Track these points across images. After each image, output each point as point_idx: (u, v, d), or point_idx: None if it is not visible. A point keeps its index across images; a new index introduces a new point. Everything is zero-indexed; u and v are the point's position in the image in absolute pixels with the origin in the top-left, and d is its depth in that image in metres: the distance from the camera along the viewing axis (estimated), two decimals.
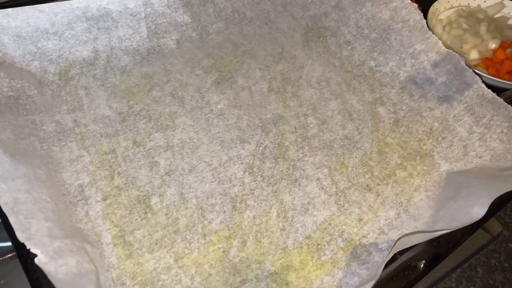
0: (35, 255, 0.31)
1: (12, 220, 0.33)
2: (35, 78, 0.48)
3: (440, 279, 0.41)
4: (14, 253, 0.41)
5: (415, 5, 0.55)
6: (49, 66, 0.50)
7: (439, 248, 0.41)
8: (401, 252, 0.40)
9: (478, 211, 0.38)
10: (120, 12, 0.52)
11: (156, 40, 0.55)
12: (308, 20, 0.61)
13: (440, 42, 0.52)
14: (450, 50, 0.51)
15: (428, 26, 0.58)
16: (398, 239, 0.39)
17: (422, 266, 0.39)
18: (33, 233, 0.33)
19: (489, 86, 0.49)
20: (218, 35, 0.57)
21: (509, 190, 0.38)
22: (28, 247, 0.32)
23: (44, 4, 0.49)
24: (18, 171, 0.37)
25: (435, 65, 0.52)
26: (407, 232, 0.42)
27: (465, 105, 0.50)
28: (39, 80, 0.48)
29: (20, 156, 0.39)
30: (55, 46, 0.50)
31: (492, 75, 0.55)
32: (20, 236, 0.32)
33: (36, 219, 0.34)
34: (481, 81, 0.49)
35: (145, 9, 0.54)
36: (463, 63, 0.50)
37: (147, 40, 0.55)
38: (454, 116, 0.50)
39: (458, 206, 0.40)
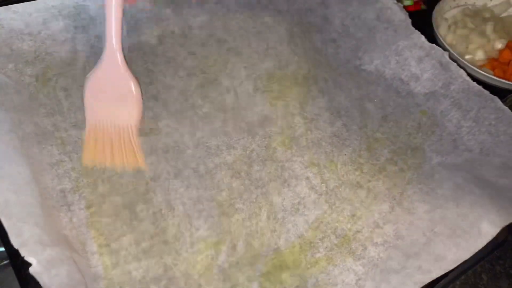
0: (28, 264, 0.30)
1: (5, 223, 0.31)
2: (11, 80, 0.46)
3: (444, 286, 0.41)
4: (6, 261, 0.39)
5: (401, 5, 0.55)
6: (25, 68, 0.47)
7: None
8: None
9: (488, 229, 0.38)
10: (98, 8, 0.50)
11: (136, 37, 0.53)
12: (293, 14, 0.60)
13: (423, 37, 0.52)
14: (433, 45, 0.51)
15: (433, 25, 0.57)
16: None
17: None
18: (26, 238, 0.31)
19: (495, 87, 0.48)
20: (201, 30, 0.56)
21: None
22: (22, 254, 0.30)
23: (18, 4, 0.47)
24: (2, 170, 0.35)
25: (420, 60, 0.52)
26: (403, 226, 0.42)
27: (452, 100, 0.50)
28: (15, 82, 0.46)
29: (2, 153, 0.37)
30: (30, 48, 0.48)
31: (498, 76, 0.54)
32: (15, 242, 0.30)
33: (27, 224, 0.32)
34: (466, 74, 0.49)
35: (124, 3, 0.52)
36: (447, 57, 0.50)
37: (126, 37, 0.52)
38: (442, 111, 0.50)
39: (462, 214, 0.40)
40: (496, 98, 0.46)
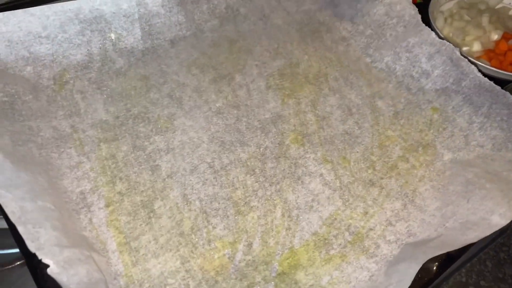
0: (45, 265, 0.31)
1: (21, 230, 0.32)
2: (29, 83, 0.47)
3: (450, 274, 0.42)
4: (23, 261, 0.40)
5: (409, 0, 0.55)
6: (43, 71, 0.49)
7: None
8: None
9: (499, 221, 0.38)
10: (114, 13, 0.51)
11: (150, 41, 0.54)
12: (302, 15, 0.60)
13: (433, 33, 0.52)
14: (444, 41, 0.51)
15: (429, 19, 0.58)
16: (423, 260, 0.38)
17: (435, 268, 0.39)
18: (43, 242, 0.32)
19: (492, 78, 0.48)
20: (212, 33, 0.57)
21: None
22: (39, 257, 0.31)
23: (36, 7, 0.48)
24: (20, 179, 0.36)
25: (430, 57, 0.52)
26: (414, 224, 0.42)
27: (463, 96, 0.50)
28: (33, 86, 0.47)
29: (20, 163, 0.38)
30: (48, 51, 0.49)
31: (495, 67, 0.55)
32: (31, 246, 0.31)
33: (44, 228, 0.33)
34: (477, 70, 0.49)
35: (138, 9, 0.53)
36: (458, 53, 0.50)
37: (141, 41, 0.54)
38: (453, 107, 0.50)
39: (472, 208, 0.40)
40: (507, 94, 0.46)
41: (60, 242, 0.33)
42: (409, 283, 0.35)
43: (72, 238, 0.35)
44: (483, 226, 0.38)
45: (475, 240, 0.37)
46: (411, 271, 0.36)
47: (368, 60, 0.56)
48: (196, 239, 0.40)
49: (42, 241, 0.32)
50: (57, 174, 0.41)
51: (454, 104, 0.50)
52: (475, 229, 0.38)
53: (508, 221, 0.37)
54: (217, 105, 0.50)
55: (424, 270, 0.39)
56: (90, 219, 0.39)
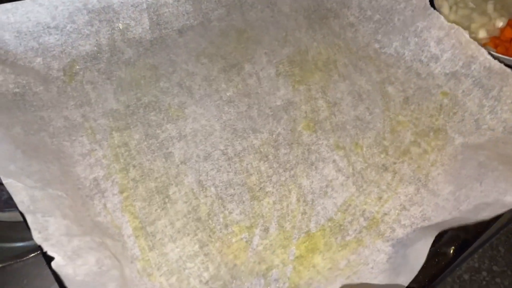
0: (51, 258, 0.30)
1: (29, 219, 0.32)
2: (39, 75, 0.47)
3: (463, 259, 0.41)
4: (37, 252, 0.39)
5: None
6: (52, 62, 0.48)
7: (467, 233, 0.41)
8: None
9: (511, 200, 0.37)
10: (122, 3, 0.51)
11: (158, 31, 0.54)
12: (310, 1, 0.60)
13: (442, 17, 0.52)
14: (453, 24, 0.51)
15: (434, 7, 0.58)
16: (435, 232, 0.38)
17: (451, 252, 0.39)
18: (51, 232, 0.32)
19: None
20: (220, 22, 0.56)
21: None
22: (45, 249, 0.30)
23: None
24: (31, 167, 0.36)
25: (439, 41, 0.52)
26: (428, 208, 0.42)
27: (473, 79, 0.50)
28: (43, 77, 0.47)
29: (31, 152, 0.38)
30: (57, 41, 0.49)
31: (501, 54, 0.54)
32: (37, 238, 0.31)
33: (54, 217, 0.33)
34: (487, 53, 0.49)
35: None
36: (467, 35, 0.50)
37: (149, 31, 0.53)
38: (463, 91, 0.50)
39: (485, 190, 0.40)
40: None
41: (69, 231, 0.32)
42: (423, 258, 0.35)
43: (83, 226, 0.34)
44: (496, 206, 0.38)
45: (488, 218, 0.37)
46: (425, 246, 0.36)
47: (376, 45, 0.56)
48: (213, 224, 0.40)
49: (50, 231, 0.32)
50: (69, 162, 0.41)
51: (464, 88, 0.50)
52: (489, 210, 0.38)
53: None
54: (228, 94, 0.50)
55: (441, 254, 0.40)
56: (105, 204, 0.39)
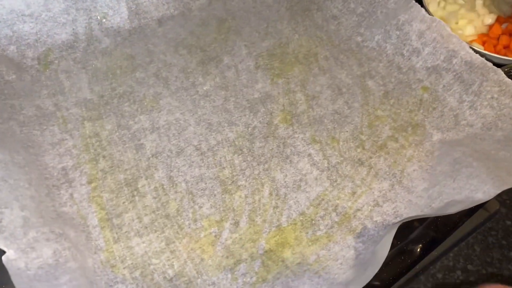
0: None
1: None
2: (12, 63, 0.46)
3: (437, 258, 0.41)
4: None
5: None
6: (27, 50, 0.48)
7: (437, 232, 0.41)
8: (397, 237, 0.40)
9: (482, 197, 0.37)
10: None
11: (137, 21, 0.53)
12: None
13: (423, 10, 0.51)
14: (434, 17, 0.50)
15: (422, 3, 0.57)
16: (399, 222, 0.38)
17: (418, 250, 0.39)
18: (5, 225, 0.31)
19: None
20: (201, 12, 0.56)
21: None
22: None
23: None
24: None
25: (420, 34, 0.51)
26: (401, 205, 0.41)
27: (454, 74, 0.49)
28: (17, 65, 0.47)
29: None
30: (32, 29, 0.48)
31: (488, 51, 0.54)
32: None
33: (10, 209, 0.32)
34: (468, 46, 0.48)
35: None
36: (448, 29, 0.49)
37: (128, 21, 0.53)
38: (444, 86, 0.49)
39: (458, 187, 0.39)
40: (499, 70, 0.45)
41: (27, 223, 0.32)
42: (387, 251, 0.35)
43: (44, 217, 0.34)
44: (466, 203, 0.37)
45: (453, 212, 0.37)
46: (388, 238, 0.35)
47: (359, 39, 0.55)
48: (182, 220, 0.39)
49: (4, 223, 0.31)
50: (38, 151, 0.41)
51: (445, 82, 0.49)
52: (458, 206, 0.38)
53: (489, 198, 0.37)
54: (205, 88, 0.49)
55: (407, 252, 0.39)
56: (71, 194, 0.39)
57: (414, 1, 0.51)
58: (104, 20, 0.52)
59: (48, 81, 0.47)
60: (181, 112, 0.47)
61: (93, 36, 0.51)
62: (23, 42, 0.48)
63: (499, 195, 0.37)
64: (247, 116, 0.47)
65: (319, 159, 0.45)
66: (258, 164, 0.44)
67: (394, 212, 0.41)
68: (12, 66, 0.46)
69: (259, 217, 0.41)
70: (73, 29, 0.50)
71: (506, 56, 0.53)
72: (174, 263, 0.37)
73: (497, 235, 0.45)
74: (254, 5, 0.57)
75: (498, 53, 0.54)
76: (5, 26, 0.47)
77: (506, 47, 0.57)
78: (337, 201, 0.42)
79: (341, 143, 0.46)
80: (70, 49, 0.50)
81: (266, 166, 0.44)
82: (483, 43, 0.58)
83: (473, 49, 0.48)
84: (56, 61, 0.49)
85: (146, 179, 0.41)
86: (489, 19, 0.59)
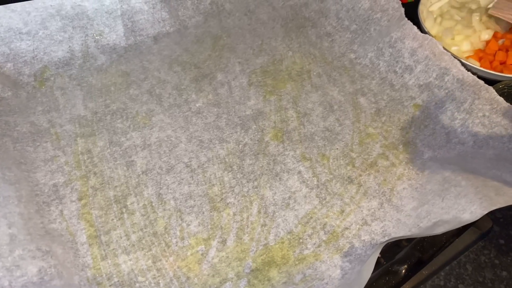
0: None
1: None
2: (9, 80, 0.47)
3: (428, 277, 0.41)
4: None
5: None
6: (23, 67, 0.49)
7: (423, 252, 0.41)
8: (384, 256, 0.39)
9: (469, 218, 0.37)
10: (96, 9, 0.52)
11: (133, 38, 0.54)
12: (288, 10, 0.60)
13: (415, 27, 0.51)
14: (426, 35, 0.50)
15: (419, 19, 0.57)
16: (386, 241, 0.38)
17: (404, 271, 0.39)
18: None
19: (481, 78, 0.47)
20: (196, 29, 0.57)
21: (502, 205, 0.36)
22: None
23: (17, 3, 0.48)
24: None
25: (413, 52, 0.51)
26: (390, 224, 0.41)
27: (446, 91, 0.49)
28: (13, 82, 0.48)
29: None
30: (29, 47, 0.49)
31: (484, 67, 0.54)
32: None
33: None
34: (460, 64, 0.48)
35: (121, 6, 0.53)
36: (440, 47, 0.49)
37: (124, 38, 0.54)
38: (436, 103, 0.49)
39: (446, 207, 0.39)
40: (490, 88, 0.45)
41: (13, 241, 0.32)
42: (371, 270, 0.35)
43: (31, 234, 0.35)
44: (453, 223, 0.37)
45: (440, 232, 0.37)
46: (373, 257, 0.35)
47: (352, 56, 0.56)
48: (169, 238, 0.40)
49: None
50: (30, 168, 0.41)
51: (437, 100, 0.49)
52: (444, 226, 0.37)
53: (476, 218, 0.36)
54: (197, 105, 0.50)
55: (391, 273, 0.39)
56: (61, 211, 0.39)
57: (406, 19, 0.52)
58: (100, 37, 0.53)
59: (43, 97, 0.48)
60: (173, 129, 0.47)
61: (89, 53, 0.52)
62: (20, 60, 0.49)
63: (492, 213, 0.37)
64: (238, 133, 0.48)
65: (309, 177, 0.45)
66: (247, 182, 0.44)
67: (383, 231, 0.41)
68: (9, 83, 0.47)
69: (247, 235, 0.41)
70: (70, 46, 0.51)
71: (502, 72, 0.53)
72: (160, 281, 0.37)
73: (489, 254, 0.44)
74: (249, 22, 0.58)
75: (494, 69, 0.54)
76: (3, 44, 0.48)
77: (502, 63, 0.57)
78: (326, 220, 0.42)
79: (331, 160, 0.46)
80: (66, 66, 0.51)
81: (256, 183, 0.44)
82: (480, 59, 0.58)
83: (466, 67, 0.48)
84: (52, 78, 0.50)
85: (135, 196, 0.42)
86: (486, 34, 0.59)
